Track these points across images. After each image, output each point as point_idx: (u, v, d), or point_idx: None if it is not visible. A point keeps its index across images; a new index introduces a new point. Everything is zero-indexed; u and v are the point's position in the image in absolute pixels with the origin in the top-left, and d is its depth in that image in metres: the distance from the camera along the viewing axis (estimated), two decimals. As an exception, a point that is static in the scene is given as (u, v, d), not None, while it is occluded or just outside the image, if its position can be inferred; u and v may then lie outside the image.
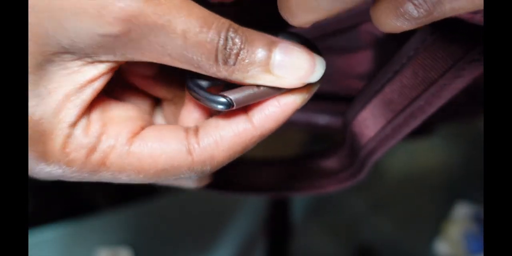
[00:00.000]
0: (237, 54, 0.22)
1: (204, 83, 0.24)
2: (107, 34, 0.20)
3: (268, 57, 0.22)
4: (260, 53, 0.22)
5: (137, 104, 0.27)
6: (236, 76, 0.22)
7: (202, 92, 0.23)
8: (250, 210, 0.78)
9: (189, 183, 0.29)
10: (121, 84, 0.27)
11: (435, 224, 0.82)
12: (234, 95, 0.23)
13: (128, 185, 0.26)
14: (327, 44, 0.33)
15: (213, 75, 0.22)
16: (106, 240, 0.72)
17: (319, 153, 0.37)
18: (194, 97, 0.24)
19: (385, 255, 0.80)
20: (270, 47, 0.22)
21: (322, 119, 0.42)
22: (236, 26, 0.22)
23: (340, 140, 0.35)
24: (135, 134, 0.24)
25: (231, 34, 0.21)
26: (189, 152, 0.23)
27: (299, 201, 0.79)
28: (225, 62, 0.21)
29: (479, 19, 0.23)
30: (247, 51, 0.22)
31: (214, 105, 0.23)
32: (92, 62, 0.21)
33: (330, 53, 0.33)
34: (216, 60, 0.21)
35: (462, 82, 0.26)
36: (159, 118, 0.28)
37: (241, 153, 0.24)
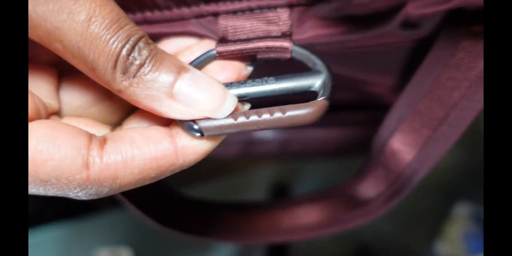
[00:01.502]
0: (140, 66, 0.19)
1: None
2: None
3: (174, 81, 0.19)
4: (166, 74, 0.19)
5: (36, 84, 0.22)
6: (133, 92, 0.19)
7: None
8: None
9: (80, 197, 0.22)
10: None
11: (435, 224, 0.82)
12: (207, 123, 0.20)
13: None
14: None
15: (106, 85, 0.19)
16: (106, 240, 0.72)
17: (353, 178, 0.34)
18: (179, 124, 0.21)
19: (385, 255, 0.80)
20: (179, 70, 0.20)
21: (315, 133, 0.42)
22: (150, 40, 0.19)
23: (367, 164, 0.33)
24: None
25: (141, 43, 0.19)
26: (86, 165, 0.19)
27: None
28: (124, 71, 0.19)
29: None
30: (152, 67, 0.19)
31: (187, 130, 0.20)
32: None
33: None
34: (115, 66, 0.19)
35: None
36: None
37: (153, 181, 0.20)
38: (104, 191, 0.20)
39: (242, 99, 0.22)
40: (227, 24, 0.24)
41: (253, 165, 0.80)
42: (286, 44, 0.23)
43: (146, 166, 0.19)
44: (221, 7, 0.24)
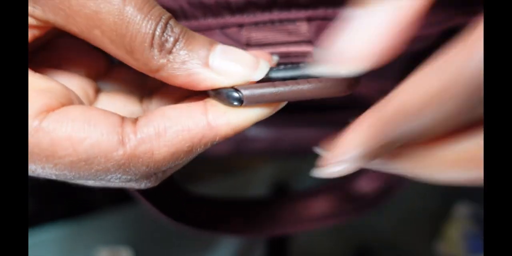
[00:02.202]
0: (175, 41, 0.20)
1: None
2: None
3: (209, 51, 0.20)
4: (200, 47, 0.20)
5: (72, 84, 0.23)
6: (172, 67, 0.20)
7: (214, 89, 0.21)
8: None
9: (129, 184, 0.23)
10: (57, 59, 0.24)
11: (435, 224, 0.82)
12: (248, 90, 0.20)
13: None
14: None
15: (144, 65, 0.20)
16: (106, 240, 0.72)
17: (350, 175, 0.36)
18: (210, 92, 0.21)
19: (385, 255, 0.80)
20: (211, 44, 0.21)
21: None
22: (176, 21, 0.20)
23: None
24: (52, 109, 0.19)
25: (171, 22, 0.20)
26: (121, 142, 0.19)
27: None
28: (161, 48, 0.19)
29: None
30: (186, 42, 0.20)
31: (225, 98, 0.20)
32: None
33: None
34: (152, 43, 0.19)
35: None
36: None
37: (187, 157, 0.21)
38: (143, 170, 0.20)
39: (291, 78, 0.22)
40: (251, 34, 0.25)
41: (253, 164, 0.80)
42: (309, 48, 0.24)
43: (179, 138, 0.19)
44: (246, 19, 0.25)
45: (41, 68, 0.22)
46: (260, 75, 0.21)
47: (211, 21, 0.25)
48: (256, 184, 0.81)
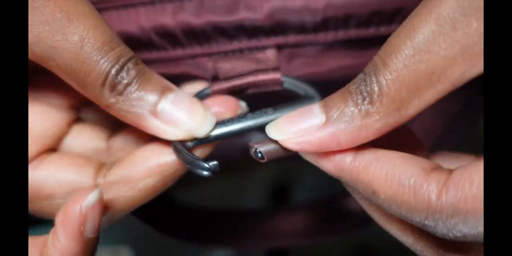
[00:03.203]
0: (127, 85, 0.20)
1: (189, 143, 0.22)
2: None
3: (159, 99, 0.21)
4: (151, 93, 0.21)
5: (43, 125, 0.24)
6: (120, 108, 0.20)
7: (183, 152, 0.21)
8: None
9: None
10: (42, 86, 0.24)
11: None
12: (263, 147, 0.21)
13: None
14: None
15: (95, 100, 0.21)
16: (106, 240, 0.72)
17: (340, 191, 0.37)
18: (177, 156, 0.22)
19: (385, 255, 0.80)
20: (163, 91, 0.21)
21: None
22: (139, 61, 0.21)
23: None
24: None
25: (130, 64, 0.20)
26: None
27: (299, 201, 0.79)
28: (113, 89, 0.20)
29: None
30: (139, 86, 0.20)
31: (195, 170, 0.21)
32: None
33: None
34: (104, 83, 0.20)
35: None
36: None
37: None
38: None
39: (244, 131, 0.23)
40: (218, 65, 0.25)
41: (251, 168, 0.80)
42: (277, 76, 0.24)
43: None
44: (214, 48, 0.25)
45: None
46: (205, 131, 0.21)
47: (179, 51, 0.26)
48: (256, 185, 0.81)
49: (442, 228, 0.17)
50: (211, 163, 0.21)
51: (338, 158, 0.19)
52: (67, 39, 0.19)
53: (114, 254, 0.71)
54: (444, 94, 0.18)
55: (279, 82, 0.25)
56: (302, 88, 0.25)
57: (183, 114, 0.21)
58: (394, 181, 0.18)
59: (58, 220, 0.20)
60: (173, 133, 0.21)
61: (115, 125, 0.26)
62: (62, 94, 0.24)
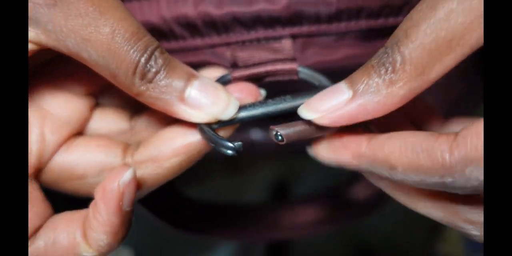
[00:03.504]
0: (156, 73, 0.21)
1: (214, 125, 0.23)
2: None
3: (185, 86, 0.22)
4: (178, 80, 0.22)
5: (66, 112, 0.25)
6: (150, 95, 0.22)
7: (209, 133, 0.23)
8: (250, 210, 0.78)
9: None
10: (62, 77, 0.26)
11: (435, 224, 0.82)
12: (285, 130, 0.22)
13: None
14: None
15: (125, 89, 0.22)
16: (106, 240, 0.72)
17: (345, 180, 0.39)
18: (202, 137, 0.23)
19: (385, 255, 0.80)
20: (189, 78, 0.22)
21: None
22: (164, 50, 0.22)
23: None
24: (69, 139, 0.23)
25: (156, 53, 0.21)
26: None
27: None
28: (142, 77, 0.21)
29: None
30: (166, 74, 0.22)
31: (221, 149, 0.22)
32: None
33: None
34: (134, 72, 0.21)
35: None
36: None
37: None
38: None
39: (265, 116, 0.24)
40: (237, 53, 0.27)
41: (253, 164, 0.80)
42: (293, 66, 0.26)
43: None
44: (232, 38, 0.26)
45: (39, 91, 0.24)
46: (230, 114, 0.23)
47: (198, 41, 0.27)
48: (256, 184, 0.81)
49: (460, 181, 0.19)
50: (235, 143, 0.22)
51: (354, 145, 0.21)
52: (99, 31, 0.20)
53: (114, 254, 0.71)
54: (464, 58, 0.19)
55: (295, 72, 0.26)
56: (317, 78, 0.26)
57: (209, 99, 0.22)
58: (408, 150, 0.19)
59: (98, 196, 0.22)
60: (200, 117, 0.22)
61: (135, 107, 0.27)
62: (80, 82, 0.25)
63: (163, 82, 0.21)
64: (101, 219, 0.21)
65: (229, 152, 0.22)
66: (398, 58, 0.19)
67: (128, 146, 0.25)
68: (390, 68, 0.19)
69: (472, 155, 0.18)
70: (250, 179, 0.80)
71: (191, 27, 0.26)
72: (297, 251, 0.75)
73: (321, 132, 0.23)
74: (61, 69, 0.25)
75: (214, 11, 0.25)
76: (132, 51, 0.21)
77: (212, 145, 0.23)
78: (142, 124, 0.26)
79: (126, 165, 0.22)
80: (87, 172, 0.24)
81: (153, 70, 0.21)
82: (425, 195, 0.23)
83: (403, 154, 0.19)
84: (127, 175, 0.21)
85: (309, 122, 0.22)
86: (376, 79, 0.19)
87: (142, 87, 0.21)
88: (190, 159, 0.24)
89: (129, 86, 0.21)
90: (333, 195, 0.39)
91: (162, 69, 0.21)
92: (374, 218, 0.82)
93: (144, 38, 0.21)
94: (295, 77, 0.26)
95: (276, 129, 0.22)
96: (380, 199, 0.36)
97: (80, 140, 0.25)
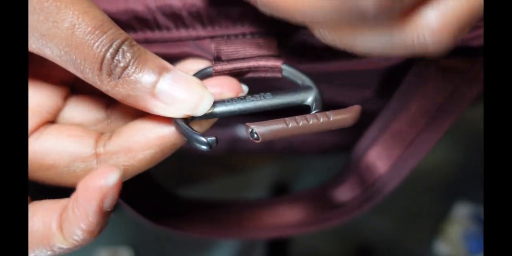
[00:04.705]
0: (124, 68, 0.20)
1: (189, 119, 0.22)
2: None
3: (156, 81, 0.21)
4: (148, 74, 0.20)
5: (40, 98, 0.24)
6: (119, 92, 0.20)
7: (183, 127, 0.22)
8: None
9: None
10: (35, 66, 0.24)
11: (435, 224, 0.82)
12: (261, 129, 0.21)
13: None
14: None
15: (94, 85, 0.21)
16: (106, 240, 0.72)
17: (331, 182, 0.38)
18: (177, 130, 0.22)
19: (385, 255, 0.80)
20: (160, 71, 0.21)
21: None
22: (134, 42, 0.21)
23: (344, 170, 0.37)
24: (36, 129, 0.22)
25: (124, 46, 0.20)
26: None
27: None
28: (109, 73, 0.20)
29: (478, 43, 0.25)
30: (135, 68, 0.20)
31: (194, 144, 0.22)
32: None
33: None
34: (100, 69, 0.20)
35: (464, 106, 0.29)
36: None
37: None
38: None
39: (243, 112, 0.23)
40: (221, 47, 0.25)
41: (253, 164, 0.80)
42: (278, 63, 0.25)
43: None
44: (217, 31, 0.25)
45: None
46: (203, 109, 0.22)
47: (183, 32, 0.25)
48: (256, 184, 0.81)
49: None
50: (209, 138, 0.21)
51: None
52: (58, 26, 0.19)
53: (114, 254, 0.71)
54: None
55: (279, 70, 0.25)
56: (300, 77, 0.25)
57: (181, 93, 0.21)
58: None
59: (79, 191, 0.20)
60: (173, 112, 0.21)
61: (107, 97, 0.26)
62: (51, 70, 0.24)
63: (132, 77, 0.20)
64: (79, 215, 0.20)
65: (203, 147, 0.21)
66: None
67: (101, 135, 0.24)
68: None
69: None
70: (248, 180, 0.80)
71: (176, 18, 0.25)
72: (297, 251, 0.75)
73: (299, 132, 0.22)
74: (31, 57, 0.24)
75: (200, 2, 0.24)
76: (96, 45, 0.19)
77: (186, 139, 0.22)
78: (118, 113, 0.25)
79: (114, 167, 0.21)
80: (58, 162, 0.23)
81: (121, 65, 0.20)
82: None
83: None
84: (112, 178, 0.20)
85: (287, 121, 0.22)
86: None
87: (111, 83, 0.20)
88: (164, 151, 0.23)
89: (97, 83, 0.20)
90: (317, 197, 0.39)
91: (131, 63, 0.20)
92: (374, 218, 0.82)
93: (109, 31, 0.20)
94: (278, 75, 0.25)
95: (251, 126, 0.21)
96: (366, 200, 0.36)
97: (51, 129, 0.23)
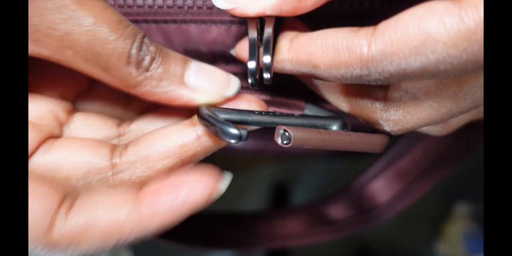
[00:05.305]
0: (152, 60, 0.20)
1: (221, 115, 0.22)
2: None
3: (183, 69, 0.21)
4: (175, 65, 0.21)
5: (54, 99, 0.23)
6: (149, 84, 0.20)
7: (212, 117, 0.21)
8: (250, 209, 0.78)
9: None
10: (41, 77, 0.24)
11: (435, 224, 0.82)
12: (296, 133, 0.20)
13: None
14: None
15: (121, 82, 0.20)
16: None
17: (325, 199, 0.41)
18: (203, 124, 0.21)
19: (385, 255, 0.80)
20: (185, 61, 0.21)
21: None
22: (150, 40, 0.21)
23: (343, 191, 0.40)
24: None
25: (146, 40, 0.20)
26: (51, 226, 0.19)
27: (299, 201, 0.79)
28: (138, 66, 0.20)
29: None
30: (162, 60, 0.20)
31: (222, 135, 0.20)
32: None
33: None
34: (128, 62, 0.20)
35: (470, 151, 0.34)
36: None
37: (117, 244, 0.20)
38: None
39: (269, 125, 0.23)
40: None
41: (253, 165, 0.80)
42: (301, 103, 0.26)
43: (108, 229, 0.20)
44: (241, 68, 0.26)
45: None
46: (232, 91, 0.22)
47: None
48: (256, 184, 0.81)
49: (375, 74, 0.19)
50: (242, 130, 0.20)
51: (277, 47, 0.21)
52: (81, 23, 0.19)
53: (114, 254, 0.71)
54: None
55: (302, 107, 0.26)
56: (324, 112, 0.26)
57: (209, 79, 0.21)
58: (330, 49, 0.19)
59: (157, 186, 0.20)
60: (204, 98, 0.21)
61: (123, 112, 0.25)
62: (49, 82, 0.24)
63: (160, 69, 0.20)
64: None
65: (232, 140, 0.20)
66: None
67: (115, 146, 0.22)
68: None
69: (388, 51, 0.18)
70: (249, 182, 0.80)
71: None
72: (297, 251, 0.75)
73: (329, 145, 0.21)
74: (32, 70, 0.23)
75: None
76: (121, 39, 0.19)
77: (213, 131, 0.21)
78: (133, 130, 0.24)
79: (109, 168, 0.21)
80: (71, 174, 0.21)
81: (148, 57, 0.20)
82: (342, 90, 0.23)
83: (324, 54, 0.19)
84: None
85: (321, 131, 0.21)
86: None
87: (140, 77, 0.20)
88: (184, 161, 0.22)
89: (125, 78, 0.20)
90: (311, 212, 0.41)
91: (157, 55, 0.20)
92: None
93: (130, 27, 0.20)
94: (300, 112, 0.26)
95: (285, 128, 0.20)
96: (362, 222, 0.39)
97: (62, 141, 0.22)
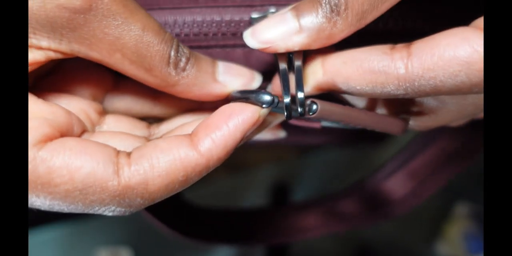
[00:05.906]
0: (187, 60, 0.23)
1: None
2: (68, 6, 0.20)
3: (214, 67, 0.24)
4: (207, 64, 0.24)
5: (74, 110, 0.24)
6: (186, 83, 0.23)
7: (247, 91, 0.23)
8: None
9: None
10: (62, 83, 0.25)
11: (435, 224, 0.82)
12: (323, 103, 0.22)
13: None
14: None
15: (161, 81, 0.23)
16: (106, 240, 0.72)
17: (337, 193, 0.42)
18: (233, 96, 0.24)
19: (385, 255, 0.80)
20: (213, 62, 0.24)
21: (315, 139, 0.45)
22: (183, 44, 0.23)
23: (357, 186, 0.41)
24: (50, 138, 0.20)
25: (180, 44, 0.23)
26: (116, 172, 0.20)
27: (299, 200, 0.79)
28: (176, 66, 0.23)
29: None
30: (195, 61, 0.23)
31: (257, 98, 0.21)
32: (30, 46, 0.21)
33: None
34: (168, 63, 0.22)
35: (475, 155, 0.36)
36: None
37: (182, 186, 0.21)
38: (137, 202, 0.20)
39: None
40: None
41: (253, 165, 0.80)
42: (317, 125, 0.27)
43: (172, 167, 0.20)
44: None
45: (45, 92, 0.24)
46: (257, 84, 0.25)
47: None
48: (256, 184, 0.81)
49: (412, 93, 0.21)
50: (274, 96, 0.22)
51: (310, 72, 0.23)
52: (131, 28, 0.21)
53: (114, 254, 0.71)
54: (395, 3, 0.21)
55: (319, 124, 0.27)
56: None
57: (236, 75, 0.24)
58: (366, 73, 0.21)
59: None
60: (235, 87, 0.24)
61: (150, 114, 0.27)
62: (82, 85, 0.25)
63: (194, 69, 0.23)
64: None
65: (266, 105, 0.21)
66: (343, 1, 0.21)
67: (119, 153, 0.22)
68: (335, 11, 0.21)
69: (424, 75, 0.20)
70: (249, 181, 0.80)
71: None
72: (297, 251, 0.75)
73: (353, 120, 0.22)
74: (59, 77, 0.25)
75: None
76: (163, 43, 0.22)
77: (251, 97, 0.22)
78: (164, 129, 0.26)
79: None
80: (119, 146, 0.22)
81: (184, 59, 0.23)
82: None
83: (362, 78, 0.21)
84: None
85: (345, 106, 0.22)
86: (322, 19, 0.21)
87: (178, 76, 0.23)
88: (189, 178, 0.22)
89: (165, 77, 0.23)
90: (323, 205, 0.41)
91: (190, 56, 0.23)
92: (374, 218, 0.82)
93: (167, 32, 0.23)
94: (317, 127, 0.28)
95: (312, 99, 0.22)
96: (376, 217, 0.40)
97: (108, 121, 0.25)
